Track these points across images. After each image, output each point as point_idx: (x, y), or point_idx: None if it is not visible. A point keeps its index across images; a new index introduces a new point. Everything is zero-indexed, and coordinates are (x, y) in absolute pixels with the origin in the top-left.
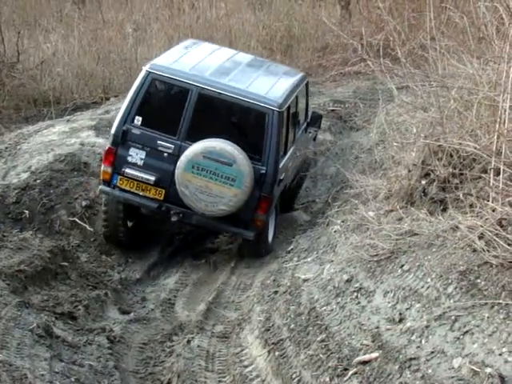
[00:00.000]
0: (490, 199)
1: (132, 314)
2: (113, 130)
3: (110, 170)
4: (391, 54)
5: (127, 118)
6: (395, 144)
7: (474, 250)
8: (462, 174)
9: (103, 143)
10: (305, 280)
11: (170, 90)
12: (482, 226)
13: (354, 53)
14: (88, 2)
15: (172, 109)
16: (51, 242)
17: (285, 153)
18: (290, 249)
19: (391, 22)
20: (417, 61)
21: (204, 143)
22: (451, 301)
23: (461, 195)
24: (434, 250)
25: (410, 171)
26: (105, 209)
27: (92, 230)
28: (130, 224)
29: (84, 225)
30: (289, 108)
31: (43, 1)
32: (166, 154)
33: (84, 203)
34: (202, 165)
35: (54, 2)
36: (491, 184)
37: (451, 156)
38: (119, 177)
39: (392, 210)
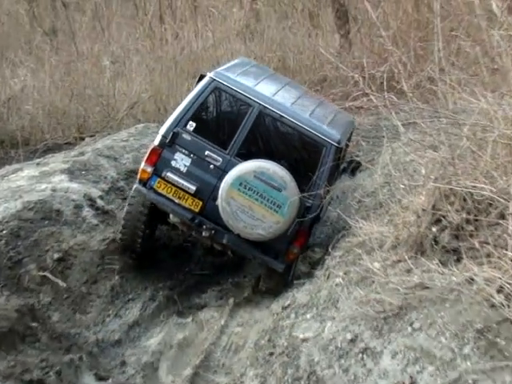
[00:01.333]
0: (509, 248)
1: (110, 381)
2: (162, 130)
3: (150, 170)
4: (396, 88)
5: (180, 121)
6: (402, 186)
7: (493, 306)
8: (477, 220)
9: (77, 188)
10: (303, 340)
11: (230, 102)
12: (500, 278)
13: (355, 86)
14: (60, 33)
15: (228, 122)
16: (19, 300)
17: (327, 191)
18: (286, 304)
19: (396, 53)
20: (425, 95)
21: (258, 162)
22: (468, 363)
23: (476, 244)
24: (447, 305)
25: (419, 217)
26: (128, 209)
27: (65, 285)
28: (147, 232)
29: (56, 280)
30: (344, 146)
31: (10, 31)
32: (212, 166)
33: (56, 256)
34: (251, 184)
35: (22, 32)
36: (510, 231)
37: (465, 200)
38: (158, 179)
39: (400, 261)
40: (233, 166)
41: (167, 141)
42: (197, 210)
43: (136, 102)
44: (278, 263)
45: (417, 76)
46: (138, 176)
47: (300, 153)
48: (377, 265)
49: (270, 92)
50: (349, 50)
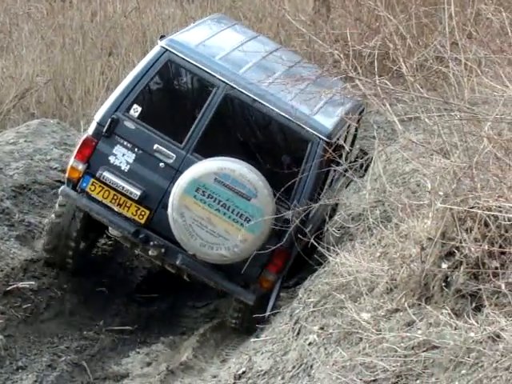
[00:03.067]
0: None
1: None
2: (98, 117)
3: (81, 167)
4: (391, 70)
5: (121, 104)
6: (400, 206)
7: None
8: (503, 254)
9: None
10: None
11: (188, 80)
12: None
13: (335, 67)
14: None
15: (185, 106)
16: None
17: (317, 198)
18: (240, 372)
19: (391, 21)
20: (431, 79)
21: (220, 162)
22: None
23: (503, 286)
24: (463, 371)
25: (423, 249)
26: (56, 221)
27: None
28: (82, 245)
29: None
30: (337, 140)
31: None
32: (162, 165)
33: None
34: (211, 190)
35: None
36: None
37: (486, 225)
38: (92, 180)
39: (398, 310)
40: (190, 164)
41: (104, 130)
42: (142, 222)
43: (28, 89)
44: (247, 294)
45: (420, 53)
46: (66, 175)
47: (278, 149)
48: (366, 316)
49: (244, 67)
50: (326, 18)
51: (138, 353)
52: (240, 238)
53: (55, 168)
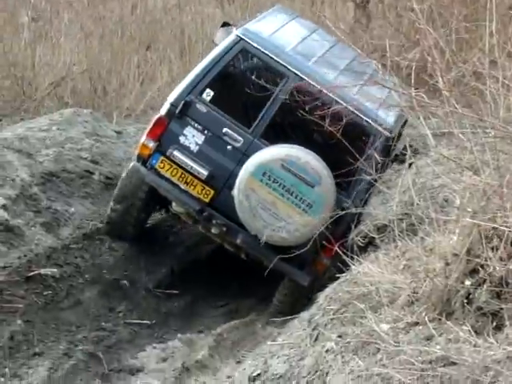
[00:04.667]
0: None
1: None
2: (171, 98)
3: (152, 145)
4: (428, 83)
5: (195, 88)
6: (427, 221)
7: None
8: None
9: None
10: None
11: (260, 68)
12: None
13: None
14: None
15: (255, 93)
16: None
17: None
18: (255, 374)
19: (431, 34)
20: (467, 95)
21: (288, 149)
22: None
23: None
24: None
25: (447, 264)
26: (120, 190)
27: None
28: (142, 216)
29: None
30: (396, 136)
31: None
32: (229, 147)
33: None
34: (277, 175)
35: None
36: None
37: None
38: (161, 157)
39: (417, 323)
40: (256, 149)
41: (177, 111)
42: (207, 201)
43: (64, 78)
44: (303, 275)
45: (458, 69)
46: (137, 151)
47: (341, 140)
48: (385, 327)
49: (309, 59)
50: (366, 27)
51: (155, 348)
52: (301, 222)
53: (85, 158)
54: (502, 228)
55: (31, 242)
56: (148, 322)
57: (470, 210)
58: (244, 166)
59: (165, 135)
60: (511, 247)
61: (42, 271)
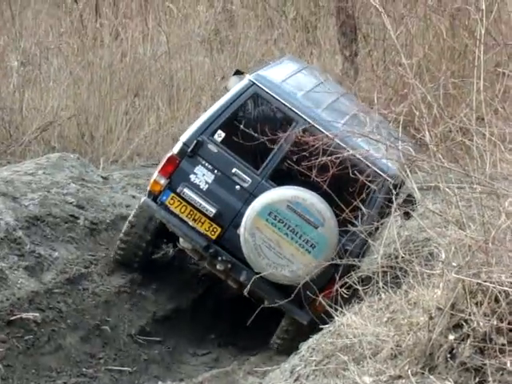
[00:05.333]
0: None
1: None
2: (184, 137)
3: (163, 182)
4: (415, 137)
5: (208, 129)
6: (411, 273)
7: None
8: (511, 331)
9: None
10: None
11: (270, 112)
12: None
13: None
14: None
15: (264, 136)
16: None
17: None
18: None
19: (419, 89)
20: (454, 151)
21: (294, 191)
22: None
23: (508, 363)
24: None
25: (431, 318)
26: (131, 224)
27: None
28: (149, 249)
29: None
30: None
31: None
32: (238, 187)
33: None
34: (283, 215)
35: None
36: None
37: (497, 301)
38: (172, 194)
39: (400, 377)
40: (263, 190)
41: (189, 150)
42: (213, 237)
43: (51, 123)
44: (303, 314)
45: (445, 124)
46: (148, 187)
47: (345, 185)
48: (367, 380)
49: (319, 105)
50: (354, 79)
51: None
52: (303, 261)
53: (71, 202)
54: (486, 284)
55: (14, 285)
56: (129, 369)
57: (454, 264)
58: (251, 206)
59: (176, 173)
60: (495, 303)
61: (24, 315)
